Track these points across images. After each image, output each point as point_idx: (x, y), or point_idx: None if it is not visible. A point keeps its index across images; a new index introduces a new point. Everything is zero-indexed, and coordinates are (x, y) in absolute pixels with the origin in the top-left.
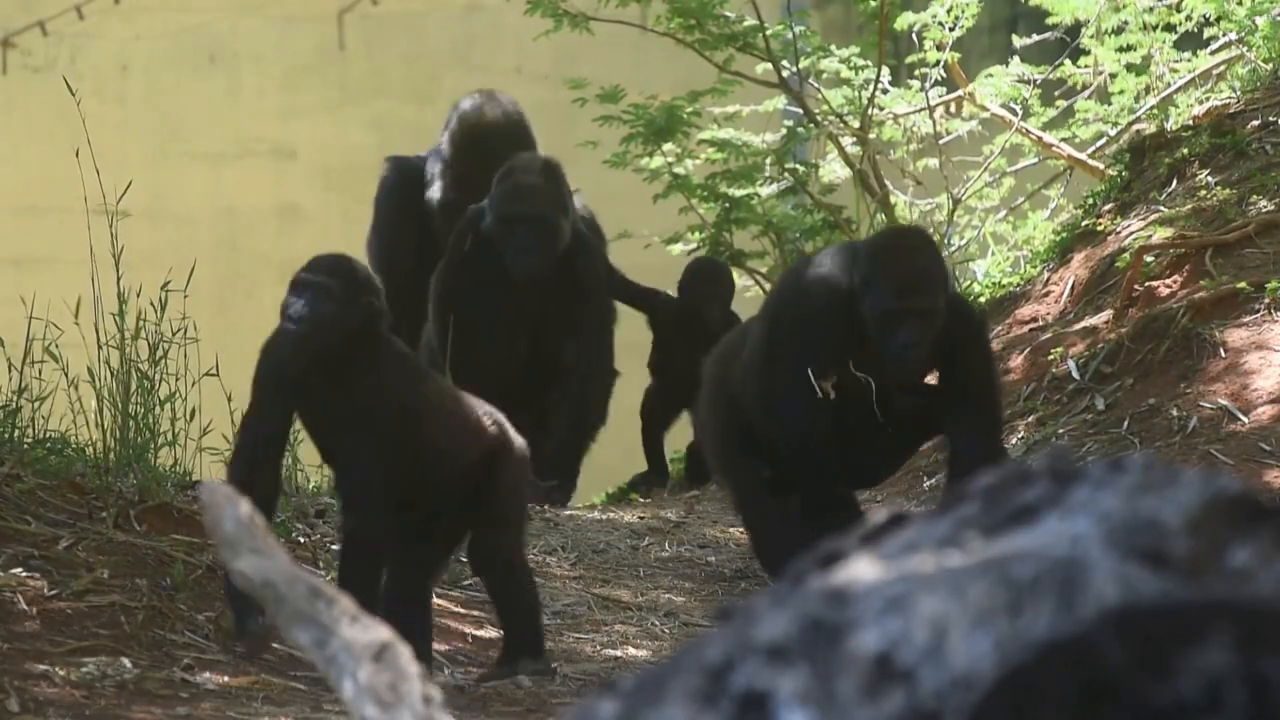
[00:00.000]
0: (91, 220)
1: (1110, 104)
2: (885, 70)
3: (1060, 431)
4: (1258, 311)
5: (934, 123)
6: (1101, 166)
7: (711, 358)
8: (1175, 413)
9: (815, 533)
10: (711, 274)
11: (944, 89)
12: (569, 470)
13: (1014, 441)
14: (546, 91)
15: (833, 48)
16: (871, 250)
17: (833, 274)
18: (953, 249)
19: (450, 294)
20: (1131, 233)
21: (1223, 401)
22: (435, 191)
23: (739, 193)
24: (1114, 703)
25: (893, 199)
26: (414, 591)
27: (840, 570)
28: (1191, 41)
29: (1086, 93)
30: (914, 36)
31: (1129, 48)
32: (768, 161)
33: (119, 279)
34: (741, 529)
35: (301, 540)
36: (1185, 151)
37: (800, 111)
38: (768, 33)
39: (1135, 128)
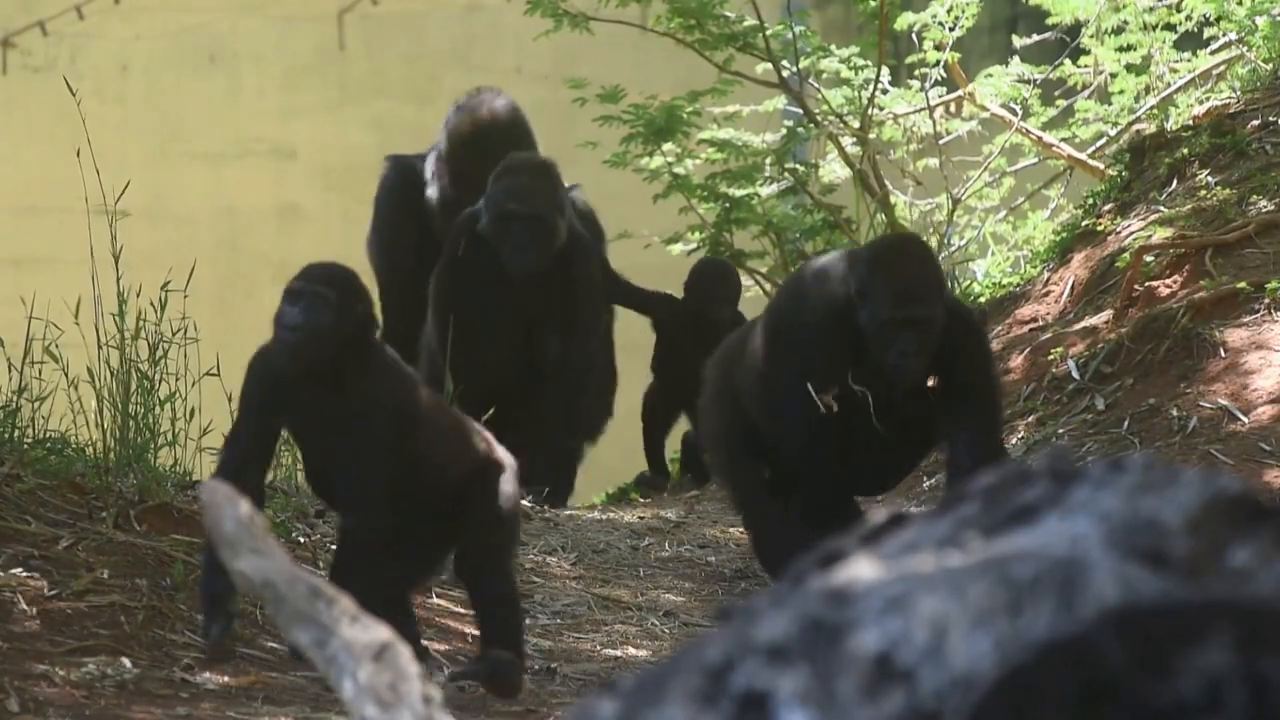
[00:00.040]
0: (91, 220)
1: (1110, 104)
2: (885, 70)
3: (1060, 431)
4: (1258, 311)
5: (934, 123)
6: (1101, 166)
7: (714, 358)
8: (1175, 413)
9: (815, 533)
10: (719, 275)
11: (944, 89)
12: (565, 470)
13: (1014, 441)
14: (546, 91)
15: (833, 48)
16: (868, 259)
17: (830, 284)
18: (953, 249)
19: (448, 295)
20: (1131, 233)
21: (1223, 401)
22: (435, 190)
23: (739, 193)
24: (1114, 703)
25: (893, 199)
26: (396, 600)
27: (840, 570)
28: (1191, 41)
29: (1086, 93)
30: (914, 36)
31: (1129, 48)
32: (768, 161)
33: (119, 279)
34: (741, 529)
35: (301, 540)
36: (1185, 151)
37: (800, 111)
38: (768, 33)
39: (1135, 128)
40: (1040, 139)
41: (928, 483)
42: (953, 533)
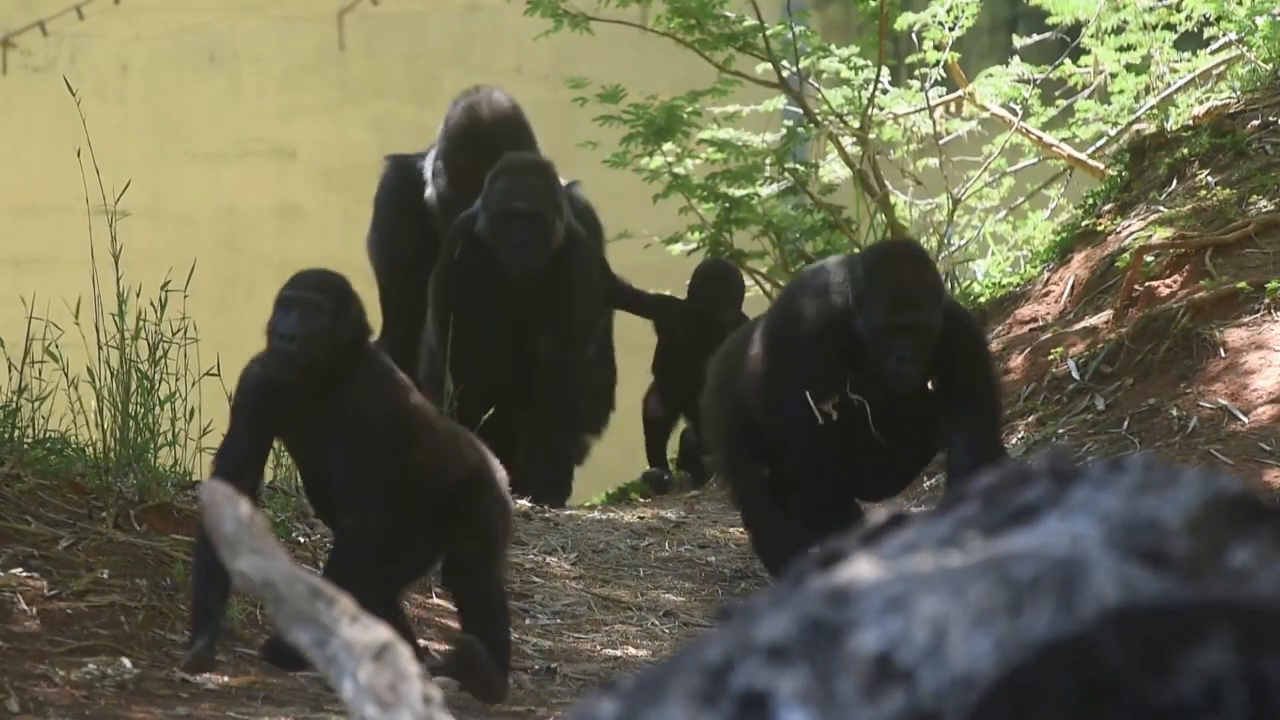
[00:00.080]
0: (91, 220)
1: (1110, 104)
2: (885, 70)
3: (1060, 431)
4: (1258, 311)
5: (934, 123)
6: (1101, 166)
7: (716, 356)
8: (1175, 413)
9: (815, 533)
10: (721, 277)
11: (944, 89)
12: (563, 470)
13: (1014, 441)
14: (546, 91)
15: (833, 48)
16: (865, 265)
17: (829, 291)
18: (953, 249)
19: (446, 297)
20: (1131, 233)
21: (1223, 401)
22: (434, 189)
23: (739, 193)
24: (1114, 703)
25: (893, 199)
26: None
27: (840, 570)
28: (1191, 41)
29: (1086, 93)
30: (914, 36)
31: (1129, 47)
32: (768, 161)
33: (119, 279)
34: (741, 529)
35: (301, 540)
36: (1185, 151)
37: (800, 111)
38: (768, 33)
39: (1135, 128)
40: (1040, 139)
41: (928, 483)
42: (953, 533)
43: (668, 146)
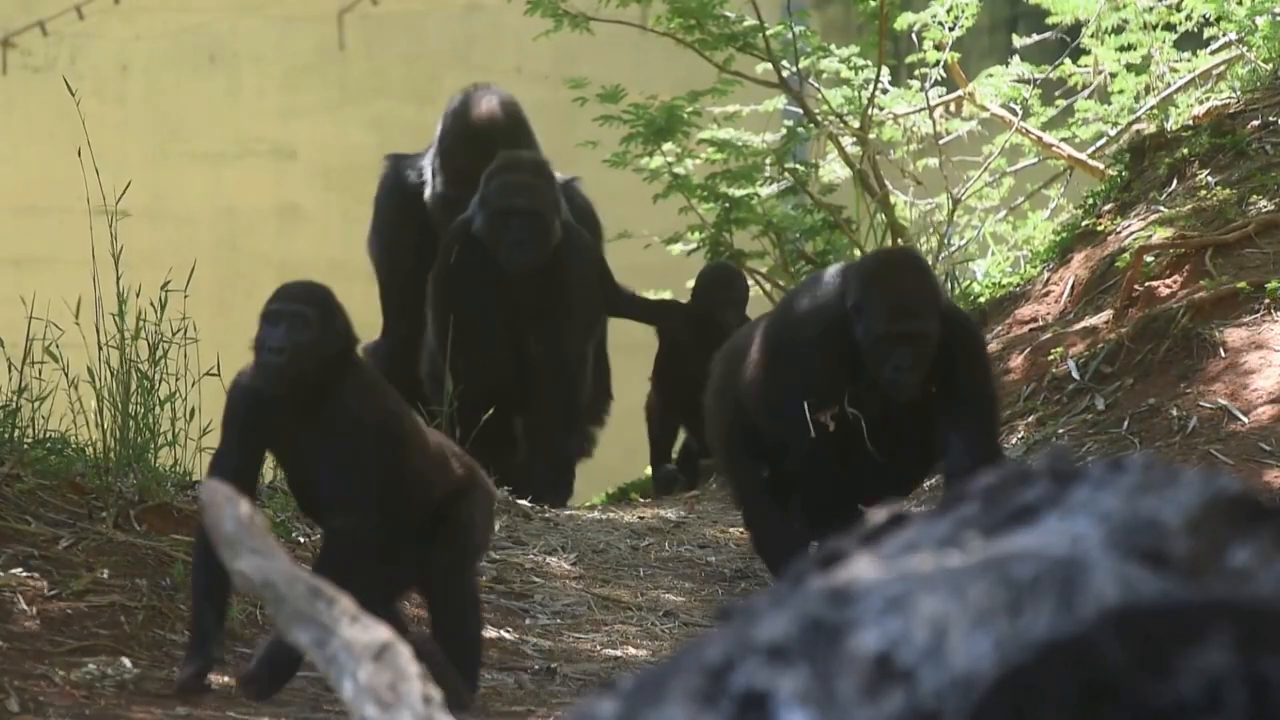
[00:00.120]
0: (92, 220)
1: (1110, 104)
2: (885, 70)
3: (1060, 431)
4: (1258, 311)
5: (934, 123)
6: (1101, 166)
7: (719, 355)
8: (1175, 413)
9: (815, 533)
10: (724, 279)
11: (944, 89)
12: (563, 470)
13: (1014, 441)
14: (546, 91)
15: (833, 48)
16: (863, 274)
17: (827, 299)
18: (953, 249)
19: (445, 298)
20: (1131, 233)
21: (1223, 401)
22: (434, 187)
23: (739, 193)
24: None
25: (893, 199)
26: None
27: (840, 570)
28: (1191, 41)
29: (1086, 93)
30: (914, 36)
31: (1129, 47)
32: (768, 161)
33: (119, 279)
34: (741, 528)
35: (301, 540)
36: (1185, 151)
37: (800, 111)
38: (768, 33)
39: (1135, 128)
40: (1040, 139)
41: (928, 483)
42: (953, 533)
43: (668, 146)
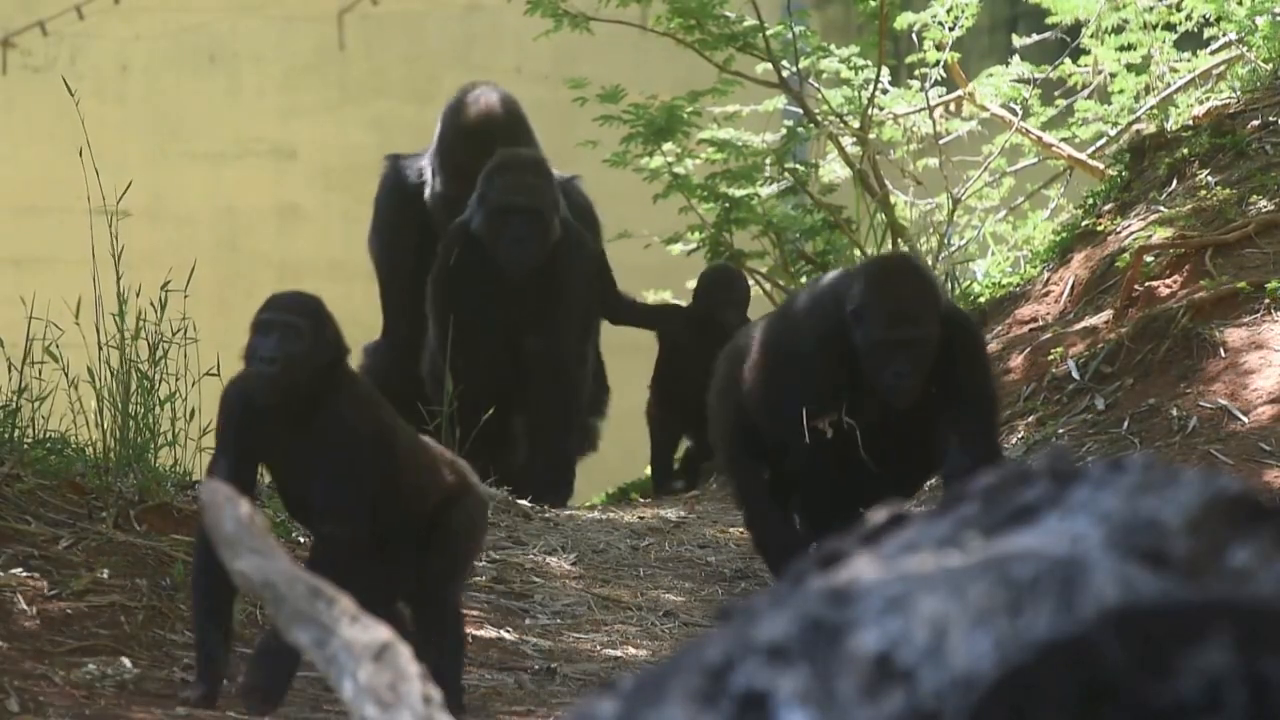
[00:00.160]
0: (92, 220)
1: (1110, 104)
2: (885, 70)
3: (1060, 431)
4: (1258, 311)
5: (934, 123)
6: (1101, 166)
7: (723, 355)
8: (1175, 413)
9: (815, 534)
10: (726, 280)
11: (944, 89)
12: (563, 470)
13: (1014, 441)
14: (546, 91)
15: (833, 48)
16: (863, 279)
17: (827, 305)
18: (953, 249)
19: (444, 300)
20: (1131, 233)
21: (1223, 401)
22: (434, 186)
23: (739, 193)
24: (1114, 703)
25: (893, 199)
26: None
27: (840, 570)
28: (1191, 41)
29: (1086, 92)
30: (914, 36)
31: (1129, 47)
32: (768, 161)
33: (119, 279)
34: (741, 528)
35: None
36: (1185, 151)
37: (800, 111)
38: (768, 33)
39: (1135, 128)
40: (1040, 139)
41: (928, 483)
42: (953, 533)
43: (668, 146)
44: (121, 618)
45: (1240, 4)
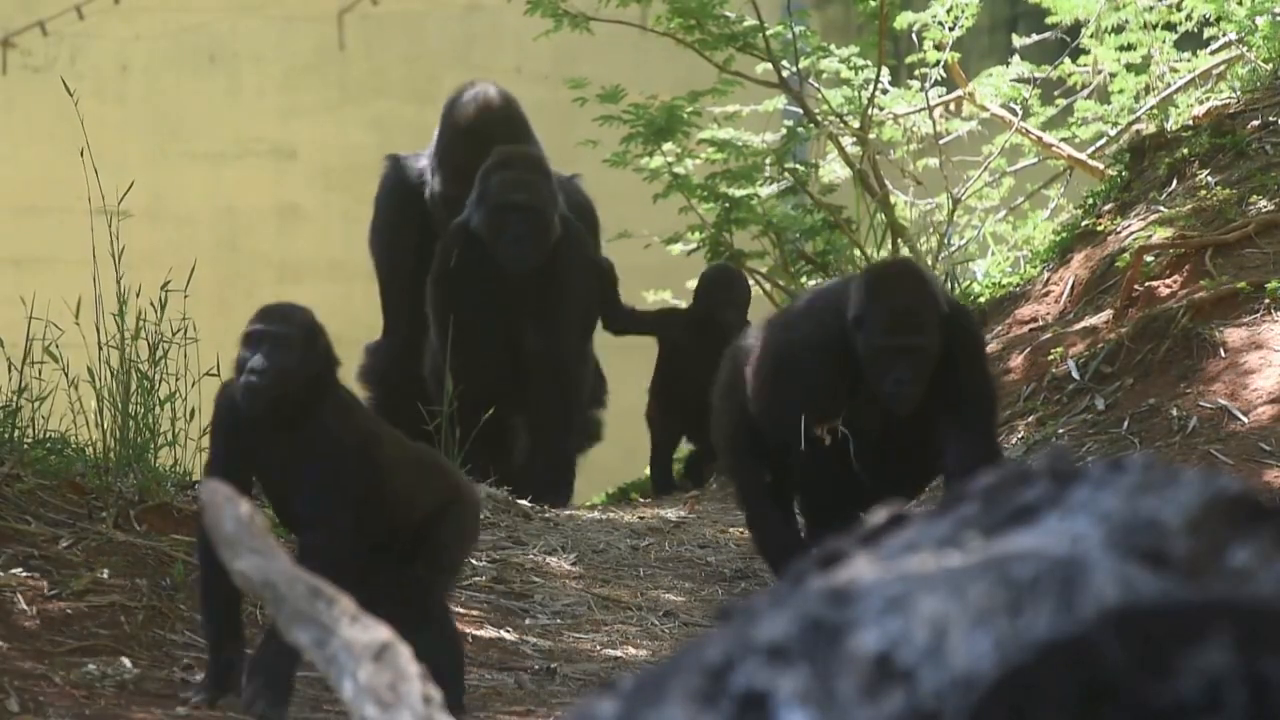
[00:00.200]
0: (92, 220)
1: (1110, 104)
2: (885, 70)
3: (1060, 431)
4: (1257, 311)
5: (934, 123)
6: (1101, 166)
7: (728, 355)
8: (1175, 413)
9: (817, 535)
10: (725, 280)
11: (944, 89)
12: (564, 471)
13: (1014, 441)
14: (546, 91)
15: (833, 48)
16: (864, 286)
17: (829, 311)
18: (953, 249)
19: (444, 301)
20: (1131, 233)
21: (1223, 401)
22: (435, 186)
23: (739, 193)
24: (1114, 703)
25: (893, 199)
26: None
27: (840, 570)
28: (1191, 41)
29: (1086, 92)
30: (914, 36)
31: (1129, 47)
32: (768, 161)
33: (119, 279)
34: (742, 528)
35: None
36: (1185, 151)
37: (800, 111)
38: (768, 33)
39: (1135, 128)
40: (1040, 139)
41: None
42: (953, 533)
43: (668, 146)
44: (121, 618)
45: (1240, 4)
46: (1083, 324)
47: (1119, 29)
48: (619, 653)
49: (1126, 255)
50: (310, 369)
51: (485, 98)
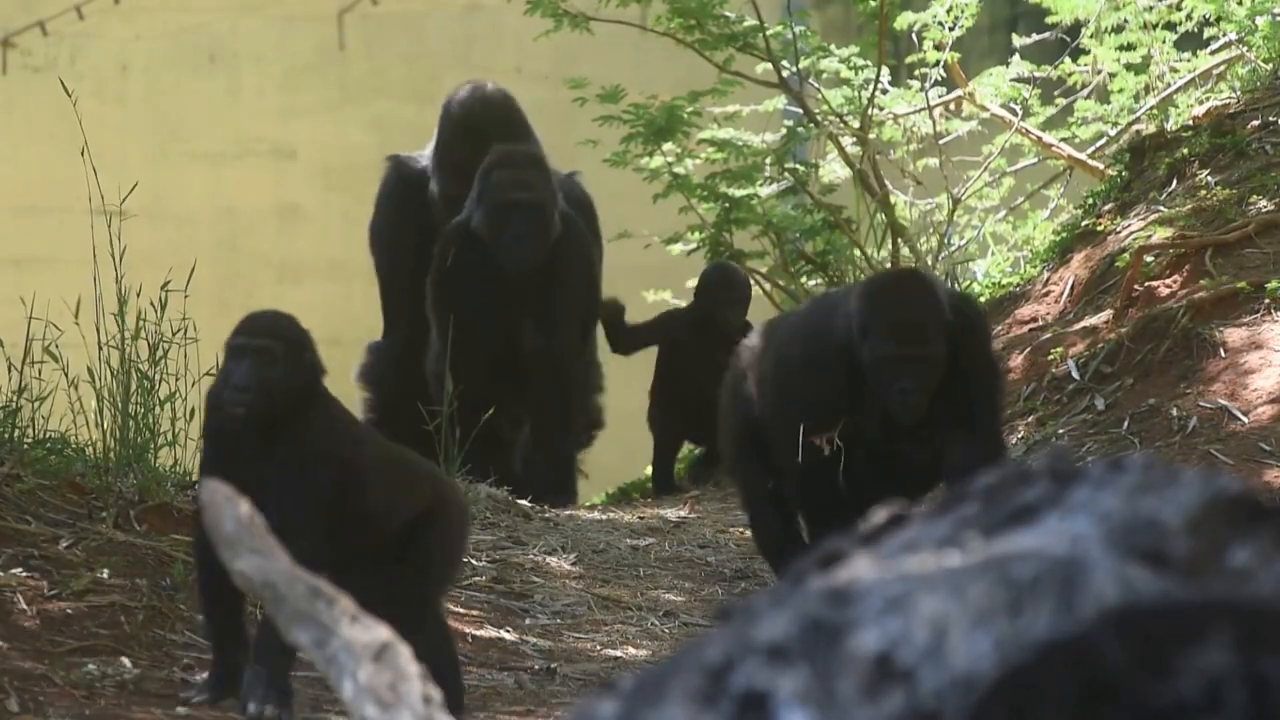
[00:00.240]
0: (92, 220)
1: (1110, 104)
2: (885, 70)
3: (1060, 431)
4: (1257, 311)
5: (934, 123)
6: (1101, 166)
7: (736, 354)
8: (1175, 413)
9: (818, 536)
10: (726, 279)
11: (944, 89)
12: (565, 471)
13: (1014, 441)
14: (546, 91)
15: (833, 48)
16: (869, 295)
17: (834, 320)
18: (953, 249)
19: (444, 301)
20: (1131, 233)
21: (1223, 401)
22: (435, 185)
23: (739, 193)
24: (1114, 703)
25: (893, 199)
26: None
27: (840, 570)
28: (1191, 41)
29: (1086, 92)
30: (914, 36)
31: (1129, 47)
32: (768, 161)
33: (119, 279)
34: (742, 528)
35: None
36: (1185, 151)
37: (800, 111)
38: (768, 33)
39: (1135, 128)
40: (1040, 139)
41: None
42: (953, 533)
43: (668, 146)
44: (121, 618)
45: (1240, 4)
46: (1083, 324)
47: (1119, 29)
48: (619, 653)
49: (1126, 255)
50: (295, 382)
51: (484, 96)
